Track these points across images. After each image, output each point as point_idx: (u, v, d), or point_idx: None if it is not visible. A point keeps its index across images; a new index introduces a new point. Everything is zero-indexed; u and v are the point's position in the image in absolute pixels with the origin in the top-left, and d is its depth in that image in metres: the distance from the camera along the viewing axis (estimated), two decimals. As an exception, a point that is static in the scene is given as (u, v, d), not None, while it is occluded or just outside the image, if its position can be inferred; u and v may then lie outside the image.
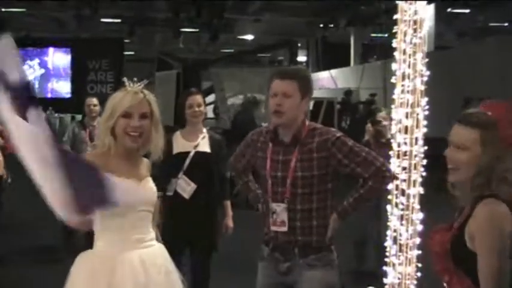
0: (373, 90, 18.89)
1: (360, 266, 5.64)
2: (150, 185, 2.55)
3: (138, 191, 2.43)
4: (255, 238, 3.19)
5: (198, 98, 3.94)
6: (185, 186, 3.86)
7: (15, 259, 5.95)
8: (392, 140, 3.80)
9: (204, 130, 4.03)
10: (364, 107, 18.78)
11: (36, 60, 28.83)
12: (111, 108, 2.44)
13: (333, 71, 21.93)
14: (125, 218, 2.38)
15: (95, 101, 5.97)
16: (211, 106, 17.20)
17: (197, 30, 20.21)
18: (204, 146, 3.95)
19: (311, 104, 12.33)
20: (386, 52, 20.32)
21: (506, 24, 18.54)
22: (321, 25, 20.77)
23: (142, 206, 2.45)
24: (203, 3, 16.53)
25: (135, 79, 2.49)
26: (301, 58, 25.59)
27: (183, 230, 3.88)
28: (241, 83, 17.92)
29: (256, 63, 29.75)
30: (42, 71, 28.78)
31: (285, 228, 2.64)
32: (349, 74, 21.08)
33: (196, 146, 3.93)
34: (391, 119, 5.09)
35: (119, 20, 20.30)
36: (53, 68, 28.72)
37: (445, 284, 2.00)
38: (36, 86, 28.78)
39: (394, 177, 2.77)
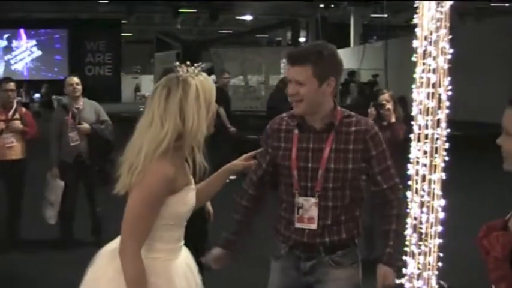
0: (373, 71, 18.66)
1: (370, 255, 5.28)
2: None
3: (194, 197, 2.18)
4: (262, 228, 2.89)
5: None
6: None
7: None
8: (413, 122, 3.57)
9: None
10: (365, 88, 18.54)
11: (33, 42, 28.49)
12: (209, 99, 2.04)
13: (333, 52, 21.60)
14: (181, 228, 2.14)
15: (76, 79, 5.55)
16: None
17: (195, 10, 19.84)
18: None
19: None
20: (386, 33, 20.15)
21: (507, 4, 18.21)
22: (321, 5, 20.42)
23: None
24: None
25: (188, 63, 2.09)
26: (301, 39, 25.30)
27: None
28: (242, 63, 17.63)
29: (254, 43, 29.42)
30: (40, 53, 28.46)
31: (314, 226, 2.35)
32: (349, 55, 20.85)
33: None
34: (394, 102, 4.87)
35: (116, 1, 19.89)
36: (51, 50, 28.38)
37: None
38: (33, 67, 28.53)
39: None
